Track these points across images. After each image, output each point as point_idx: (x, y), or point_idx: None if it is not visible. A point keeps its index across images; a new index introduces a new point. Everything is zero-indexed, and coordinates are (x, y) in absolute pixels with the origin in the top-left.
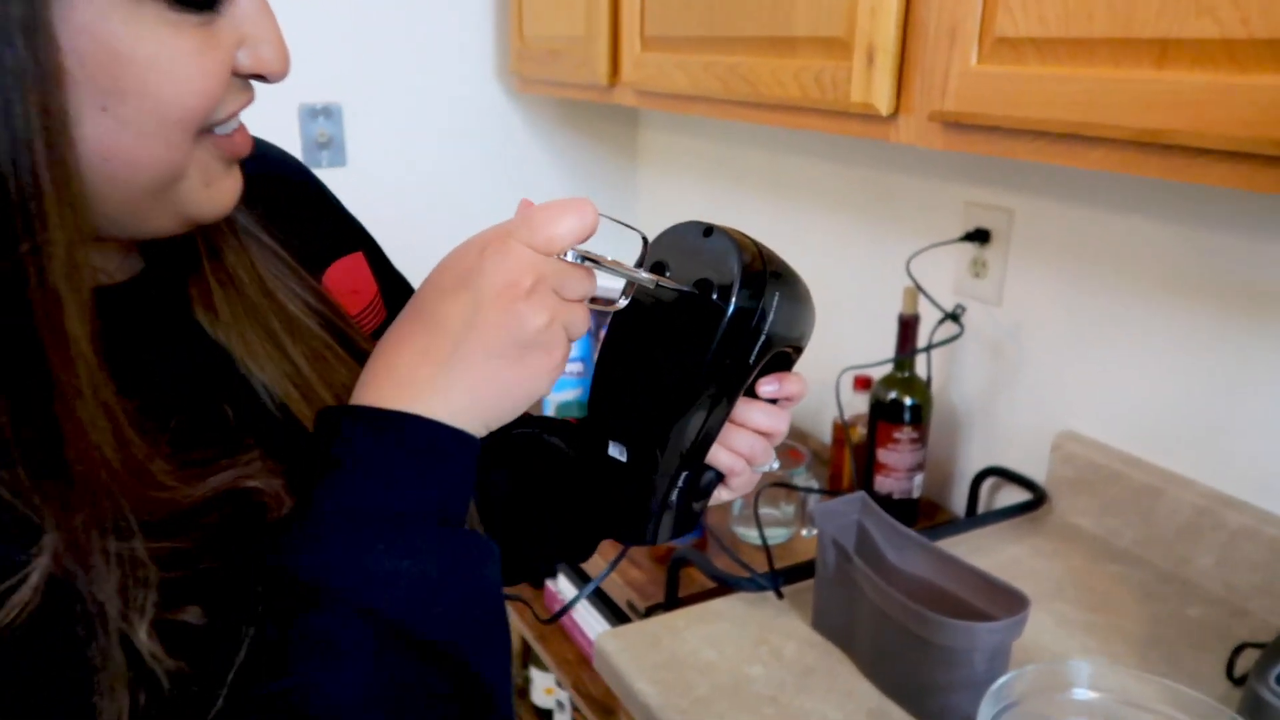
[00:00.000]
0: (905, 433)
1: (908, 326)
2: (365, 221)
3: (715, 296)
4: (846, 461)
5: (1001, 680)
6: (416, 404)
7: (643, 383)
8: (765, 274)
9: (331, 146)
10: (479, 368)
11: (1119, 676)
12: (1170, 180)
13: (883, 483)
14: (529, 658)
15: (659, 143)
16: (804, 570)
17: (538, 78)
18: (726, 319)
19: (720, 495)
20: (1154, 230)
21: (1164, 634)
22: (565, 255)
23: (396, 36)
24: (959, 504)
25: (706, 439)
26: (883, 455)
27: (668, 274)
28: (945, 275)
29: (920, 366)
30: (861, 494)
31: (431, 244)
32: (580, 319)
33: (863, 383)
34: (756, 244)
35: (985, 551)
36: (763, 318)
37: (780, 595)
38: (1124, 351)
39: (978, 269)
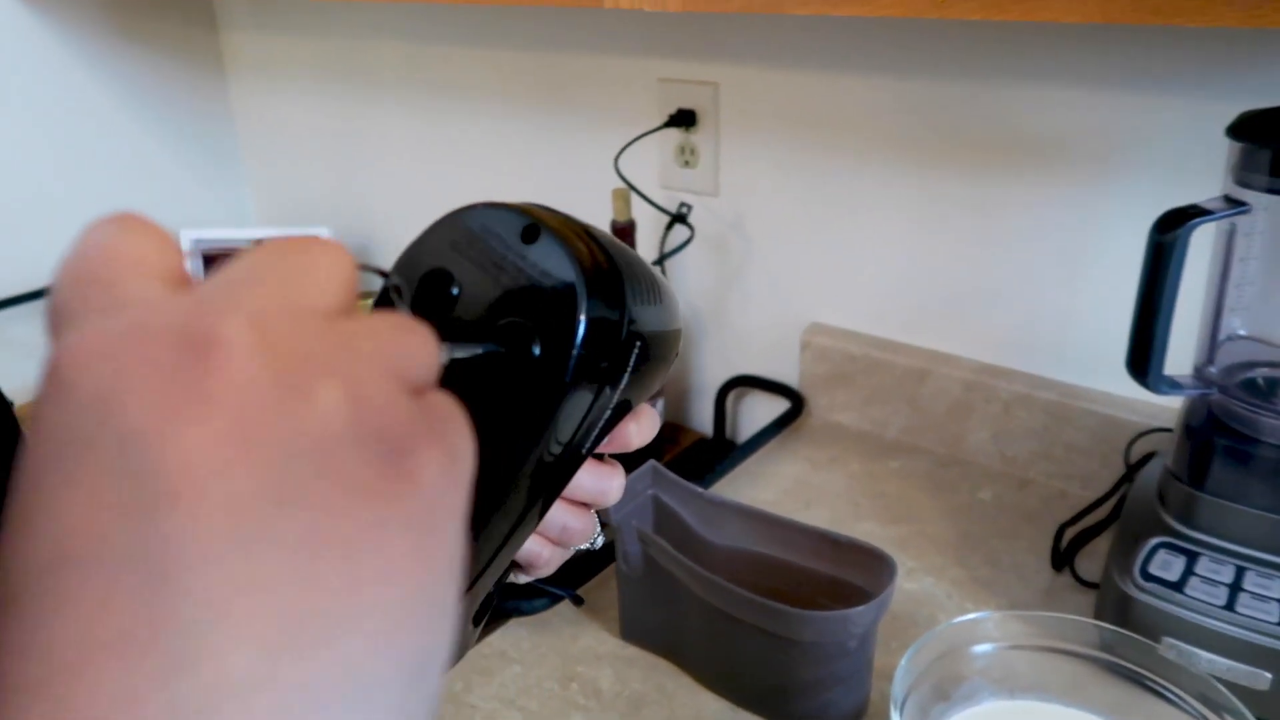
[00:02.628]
0: None
1: (623, 235)
2: None
3: (539, 351)
4: None
5: (901, 669)
6: None
7: None
8: (625, 314)
9: None
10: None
11: (1006, 619)
12: (953, 23)
13: None
14: None
15: (250, 45)
16: (589, 562)
17: None
18: (565, 398)
19: (514, 578)
20: (875, 87)
21: (970, 529)
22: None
23: None
24: (700, 420)
25: (507, 553)
26: None
27: (455, 293)
28: (650, 170)
29: None
30: (650, 464)
31: None
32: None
33: None
34: (601, 244)
35: (764, 479)
36: (614, 381)
37: (580, 601)
38: (863, 229)
39: (687, 157)
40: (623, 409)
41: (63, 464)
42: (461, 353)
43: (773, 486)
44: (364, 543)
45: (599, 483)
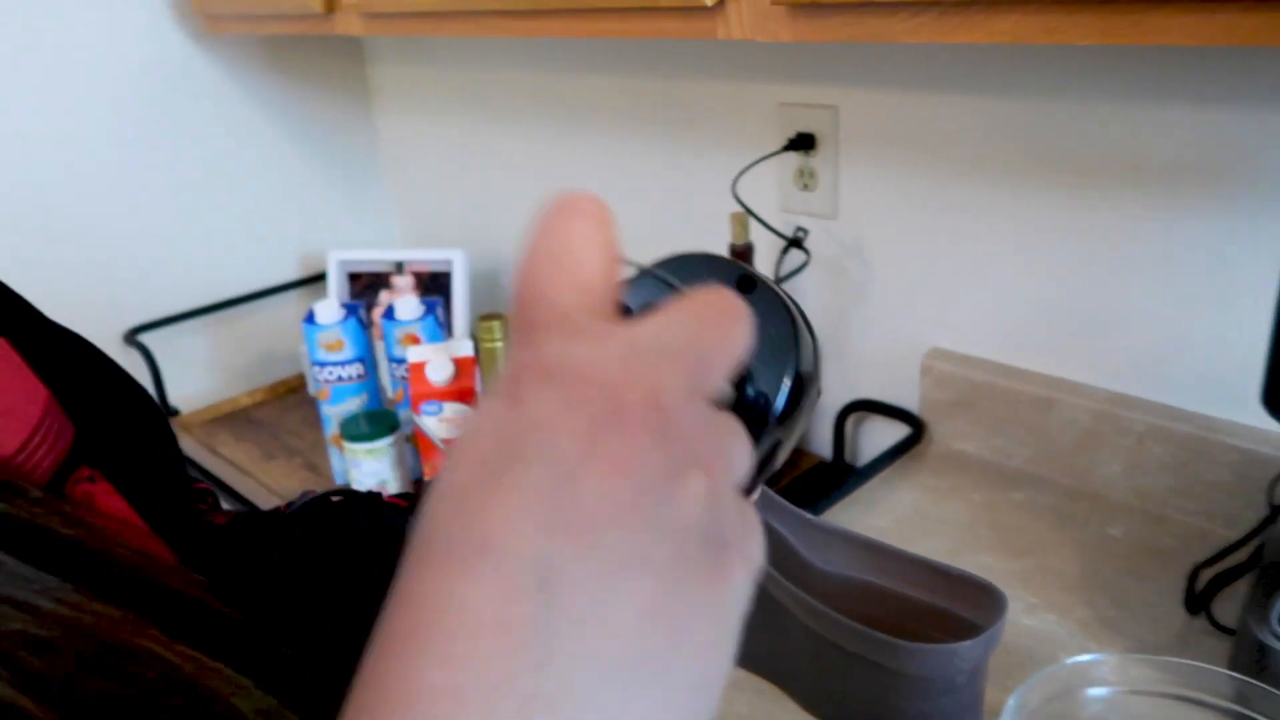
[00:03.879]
0: None
1: (741, 259)
2: (38, 234)
3: (752, 392)
4: None
5: (1009, 709)
6: None
7: None
8: (818, 365)
9: None
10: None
11: (1126, 663)
12: (1073, 45)
13: None
14: None
15: (395, 77)
16: None
17: (227, 12)
18: (774, 442)
19: None
20: (997, 109)
21: (1098, 567)
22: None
23: None
24: (820, 444)
25: None
26: None
27: None
28: (769, 193)
29: None
30: (760, 486)
31: (134, 250)
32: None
33: None
34: (797, 304)
35: (880, 506)
36: (795, 425)
37: None
38: (985, 251)
39: (806, 180)
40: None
41: (498, 471)
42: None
43: (888, 514)
44: (686, 621)
45: None
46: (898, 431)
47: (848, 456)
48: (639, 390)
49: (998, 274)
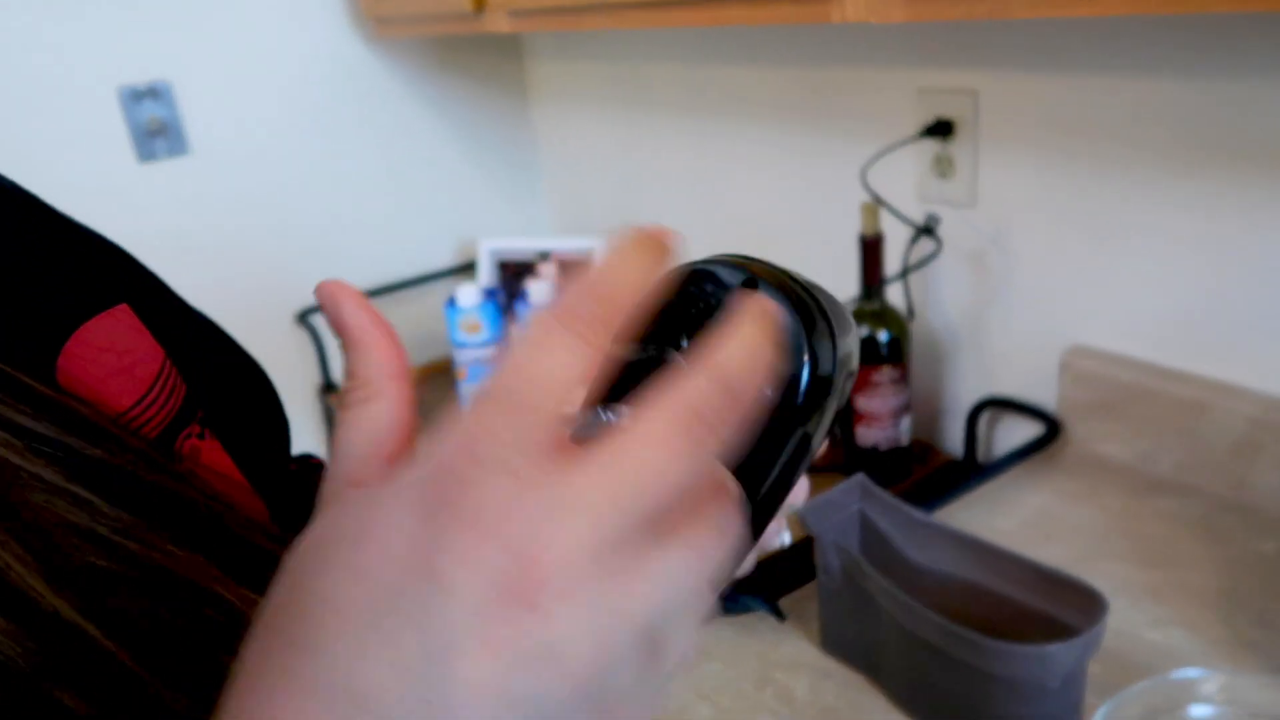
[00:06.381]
0: (885, 373)
1: (871, 248)
2: (222, 219)
3: (769, 392)
4: None
5: (1100, 717)
6: None
7: None
8: (836, 357)
9: (168, 133)
10: None
11: (1241, 683)
12: (1177, 14)
13: (866, 434)
14: None
15: (551, 73)
16: (801, 571)
17: (395, 16)
18: (793, 437)
19: None
20: (1152, 89)
21: (1244, 585)
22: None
23: None
24: (953, 442)
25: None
26: (862, 402)
27: (684, 344)
28: (905, 181)
29: (892, 293)
30: (860, 478)
31: (306, 237)
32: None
33: None
34: (809, 290)
35: (1005, 506)
36: (823, 417)
37: (782, 617)
38: (1135, 243)
39: (943, 168)
40: (818, 439)
41: (382, 612)
42: None
43: (1012, 515)
44: None
45: None
46: (1034, 431)
47: (980, 456)
48: (552, 556)
49: (1149, 267)
